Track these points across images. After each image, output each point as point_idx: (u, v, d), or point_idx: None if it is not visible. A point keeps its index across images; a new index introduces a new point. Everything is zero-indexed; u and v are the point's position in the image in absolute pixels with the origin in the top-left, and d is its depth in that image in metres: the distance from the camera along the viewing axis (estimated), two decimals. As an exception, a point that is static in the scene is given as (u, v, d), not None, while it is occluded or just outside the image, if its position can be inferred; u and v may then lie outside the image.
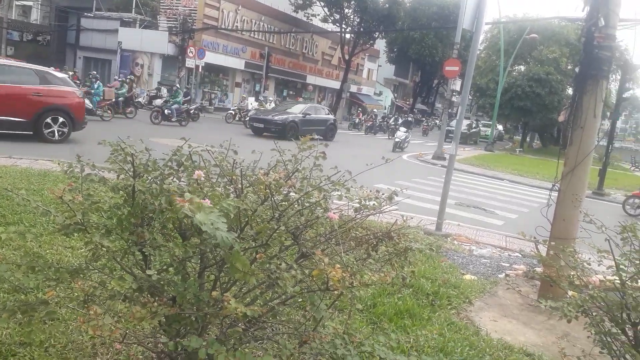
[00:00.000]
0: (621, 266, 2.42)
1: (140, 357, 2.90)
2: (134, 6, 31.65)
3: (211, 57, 29.38)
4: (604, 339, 2.41)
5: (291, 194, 2.34)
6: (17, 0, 38.15)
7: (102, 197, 2.21)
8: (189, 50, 27.01)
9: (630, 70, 18.01)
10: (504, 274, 5.85)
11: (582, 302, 2.30)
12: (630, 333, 2.36)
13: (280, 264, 1.92)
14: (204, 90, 31.96)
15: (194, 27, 28.93)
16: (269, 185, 2.03)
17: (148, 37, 29.44)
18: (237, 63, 32.72)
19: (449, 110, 20.98)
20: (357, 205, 2.42)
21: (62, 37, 34.51)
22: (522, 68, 38.32)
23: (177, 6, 29.55)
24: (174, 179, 2.36)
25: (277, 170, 2.31)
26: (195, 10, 29.30)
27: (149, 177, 2.23)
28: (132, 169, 2.09)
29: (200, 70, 28.01)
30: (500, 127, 43.02)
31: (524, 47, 33.44)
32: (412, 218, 2.88)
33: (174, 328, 1.95)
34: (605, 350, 2.43)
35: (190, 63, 27.00)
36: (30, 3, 38.51)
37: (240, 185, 2.22)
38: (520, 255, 6.85)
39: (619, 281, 2.35)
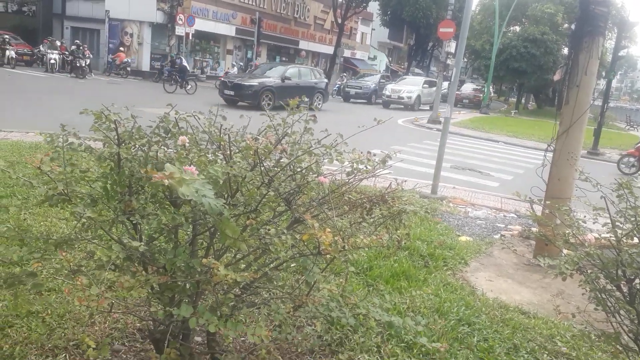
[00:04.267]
0: (617, 223, 2.41)
1: (138, 324, 2.91)
2: (120, -27, 30.73)
3: (201, 24, 28.79)
4: (599, 295, 2.42)
5: (283, 159, 2.30)
6: (0, -30, 37.01)
7: (90, 166, 2.16)
8: (178, 18, 26.41)
9: (626, 28, 17.74)
10: (499, 235, 5.88)
11: (578, 260, 2.30)
12: (625, 289, 2.36)
13: (269, 230, 1.89)
14: (195, 58, 31.42)
15: (182, -7, 28.19)
16: (257, 150, 1.98)
17: (136, 4, 28.67)
18: (227, 29, 32.07)
19: (444, 73, 20.72)
20: (349, 169, 2.37)
21: (48, 6, 33.54)
22: (518, 29, 37.78)
23: (164, -28, 28.74)
24: (162, 147, 2.30)
25: (266, 136, 2.26)
26: (183, -25, 28.51)
27: (136, 145, 2.18)
28: (116, 137, 2.03)
29: (190, 37, 27.45)
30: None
31: (519, 7, 32.88)
32: (405, 181, 2.85)
33: (167, 296, 1.94)
34: (600, 307, 2.44)
35: (180, 31, 26.44)
36: (13, -28, 37.34)
37: (229, 152, 2.17)
38: (515, 216, 6.88)
39: (614, 238, 2.34)
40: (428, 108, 26.47)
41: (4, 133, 8.32)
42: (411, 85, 28.24)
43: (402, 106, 26.57)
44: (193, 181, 1.48)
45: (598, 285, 2.39)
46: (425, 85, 28.87)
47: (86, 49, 24.87)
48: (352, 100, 29.36)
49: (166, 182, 1.46)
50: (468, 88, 40.03)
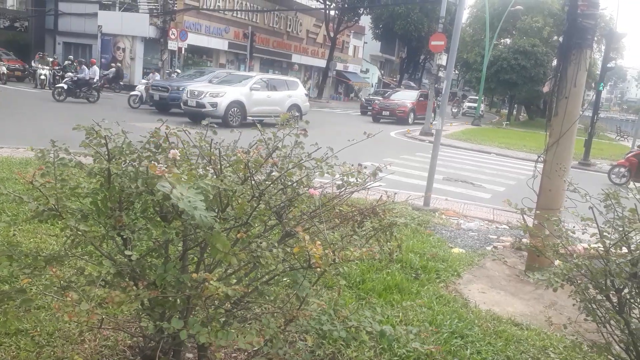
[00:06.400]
0: (605, 233, 2.43)
1: (129, 341, 2.88)
2: (112, -12, 30.93)
3: (194, 39, 28.92)
4: (589, 306, 2.43)
5: (274, 172, 2.31)
6: (-8, -14, 37.12)
7: (79, 182, 2.16)
8: (170, 32, 26.51)
9: (614, 40, 18.00)
10: (491, 246, 5.89)
11: (567, 271, 2.31)
12: (614, 299, 2.37)
13: (261, 243, 1.89)
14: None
15: (175, 8, 28.32)
16: (247, 163, 1.99)
17: (129, 20, 28.81)
18: (220, 44, 32.24)
19: (436, 86, 20.90)
20: (340, 182, 2.39)
21: (40, 22, 33.60)
22: (508, 41, 38.26)
23: (157, -13, 28.90)
24: (153, 162, 2.31)
25: (257, 149, 2.27)
26: (176, -10, 28.67)
27: (126, 160, 2.18)
28: (106, 152, 2.03)
29: (183, 52, 27.55)
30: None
31: (509, 20, 33.35)
32: (396, 194, 2.87)
33: (157, 312, 1.93)
34: (591, 317, 2.45)
35: (172, 45, 26.53)
36: (6, -12, 37.45)
37: (219, 166, 2.18)
38: (507, 227, 6.89)
39: (602, 248, 2.36)
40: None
41: (-5, 149, 8.28)
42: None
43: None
44: (189, 186, 1.49)
45: (588, 296, 2.40)
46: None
47: (79, 64, 24.87)
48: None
49: (166, 175, 1.46)
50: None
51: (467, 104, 43.57)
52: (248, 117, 16.18)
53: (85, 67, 21.02)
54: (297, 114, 17.12)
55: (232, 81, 17.47)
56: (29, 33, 33.03)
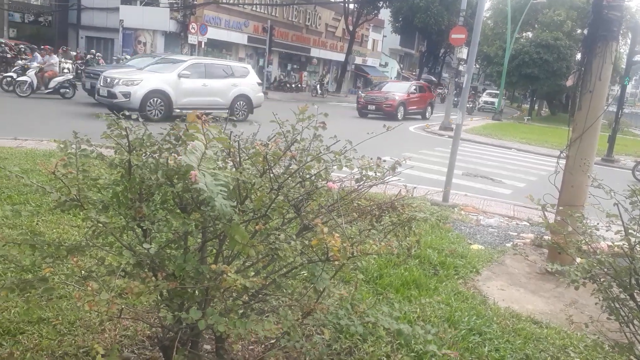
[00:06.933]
0: (630, 231, 2.37)
1: (148, 332, 2.92)
2: (133, -17, 31.26)
3: (213, 33, 29.06)
4: (612, 304, 2.37)
5: (292, 165, 2.30)
6: (17, -19, 37.78)
7: (101, 173, 2.19)
8: (190, 27, 26.70)
9: (641, 33, 17.53)
10: (511, 243, 5.82)
11: (590, 268, 2.26)
12: (638, 298, 2.32)
13: (279, 235, 1.89)
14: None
15: (194, 2, 28.51)
16: (266, 156, 1.99)
17: (149, 14, 29.09)
18: (239, 38, 32.36)
19: (456, 80, 20.65)
20: (358, 176, 2.37)
21: (64, 17, 34.17)
22: (530, 35, 37.62)
23: (178, -19, 29.14)
24: (173, 154, 2.32)
25: (275, 142, 2.27)
26: (196, -16, 28.88)
27: (147, 152, 2.20)
28: (127, 144, 2.05)
29: (203, 46, 27.74)
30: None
31: (530, 13, 32.75)
32: (415, 188, 2.84)
33: (175, 303, 1.95)
34: (614, 317, 2.40)
35: (192, 39, 26.73)
36: (30, -17, 38.11)
37: (238, 158, 2.18)
38: (528, 224, 6.79)
39: (627, 246, 2.31)
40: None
41: (19, 141, 8.44)
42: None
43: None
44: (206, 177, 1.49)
45: (611, 294, 2.35)
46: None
47: (100, 57, 25.22)
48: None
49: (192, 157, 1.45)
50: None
51: (483, 99, 41.95)
52: (175, 110, 13.84)
53: (37, 53, 17.91)
54: (245, 106, 15.52)
55: (161, 67, 14.86)
56: (52, 27, 33.58)
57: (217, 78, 15.02)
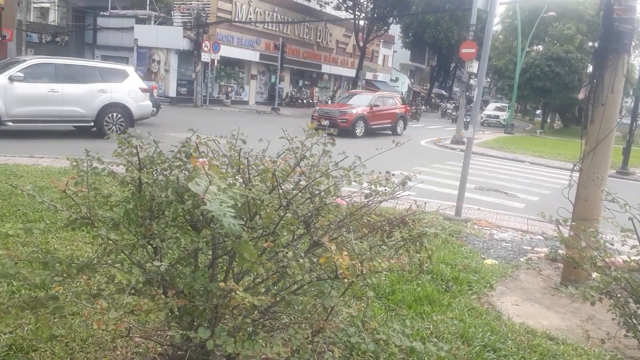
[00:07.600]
0: (646, 245, 2.33)
1: (159, 349, 2.91)
2: (148, 3, 31.83)
3: (226, 50, 29.44)
4: (629, 320, 2.33)
5: (301, 182, 2.31)
6: (35, 3, 38.73)
7: (112, 191, 2.21)
8: (203, 45, 27.08)
9: (654, 45, 17.43)
10: (525, 257, 5.74)
11: (605, 285, 2.22)
12: (656, 314, 2.27)
13: (287, 253, 1.89)
14: (220, 84, 32.07)
15: (207, 21, 28.94)
16: (275, 172, 1.99)
17: (163, 33, 29.56)
18: (252, 55, 32.70)
19: (467, 94, 20.61)
20: (368, 191, 2.37)
21: (80, 37, 34.91)
22: (540, 48, 37.52)
23: (191, 1, 29.60)
24: (183, 171, 2.34)
25: (284, 159, 2.27)
26: (209, 4, 29.30)
27: (157, 169, 2.22)
28: (137, 162, 2.07)
29: (215, 64, 28.06)
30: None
31: (541, 26, 32.70)
32: (426, 203, 2.82)
33: (185, 320, 1.94)
34: (631, 333, 2.35)
35: (205, 57, 27.08)
36: (48, 5, 39.05)
37: (247, 175, 2.19)
38: (542, 238, 6.71)
39: (643, 261, 2.26)
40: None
41: (35, 159, 8.58)
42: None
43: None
44: (220, 185, 1.50)
45: (628, 310, 2.30)
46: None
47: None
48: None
49: (204, 167, 1.47)
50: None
51: (485, 112, 38.92)
52: (7, 123, 10.89)
53: None
54: (122, 118, 12.26)
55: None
56: (69, 47, 34.27)
57: (75, 83, 11.83)
